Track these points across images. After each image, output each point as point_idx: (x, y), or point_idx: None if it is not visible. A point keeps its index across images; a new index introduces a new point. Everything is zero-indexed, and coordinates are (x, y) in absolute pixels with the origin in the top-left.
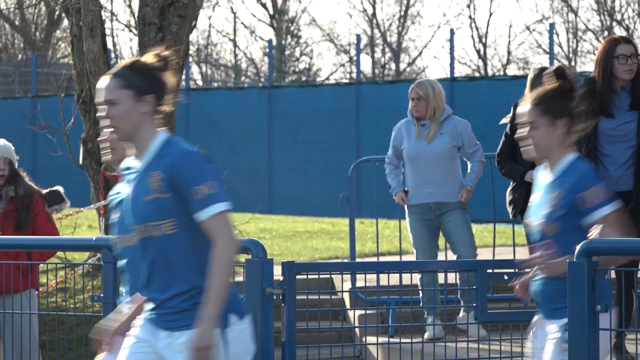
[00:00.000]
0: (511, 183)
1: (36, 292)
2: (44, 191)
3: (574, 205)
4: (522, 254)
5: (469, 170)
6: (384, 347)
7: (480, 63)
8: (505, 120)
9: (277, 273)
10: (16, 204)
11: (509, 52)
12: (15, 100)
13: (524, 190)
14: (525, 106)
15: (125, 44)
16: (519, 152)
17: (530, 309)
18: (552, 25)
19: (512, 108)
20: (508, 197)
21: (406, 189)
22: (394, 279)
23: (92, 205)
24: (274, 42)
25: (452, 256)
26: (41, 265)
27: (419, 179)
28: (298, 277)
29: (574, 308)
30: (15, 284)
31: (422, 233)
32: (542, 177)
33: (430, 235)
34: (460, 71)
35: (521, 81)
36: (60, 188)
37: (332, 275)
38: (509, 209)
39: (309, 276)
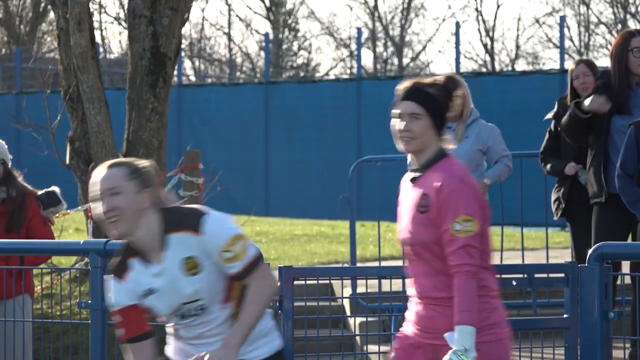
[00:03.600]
0: (556, 181)
1: (30, 298)
2: (39, 192)
3: None
4: (532, 258)
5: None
6: (386, 356)
7: (488, 58)
8: (550, 115)
9: None
10: (8, 206)
11: (517, 47)
12: None
13: (567, 187)
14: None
15: (114, 38)
16: (562, 149)
17: (540, 317)
18: (562, 18)
19: (556, 103)
20: (553, 196)
21: None
22: (396, 284)
23: (79, 207)
24: (271, 36)
25: None
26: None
27: None
28: (296, 282)
29: (585, 314)
30: (8, 289)
31: None
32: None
33: None
34: (467, 66)
35: (530, 77)
36: (56, 189)
37: (332, 281)
38: (553, 208)
39: (308, 282)
